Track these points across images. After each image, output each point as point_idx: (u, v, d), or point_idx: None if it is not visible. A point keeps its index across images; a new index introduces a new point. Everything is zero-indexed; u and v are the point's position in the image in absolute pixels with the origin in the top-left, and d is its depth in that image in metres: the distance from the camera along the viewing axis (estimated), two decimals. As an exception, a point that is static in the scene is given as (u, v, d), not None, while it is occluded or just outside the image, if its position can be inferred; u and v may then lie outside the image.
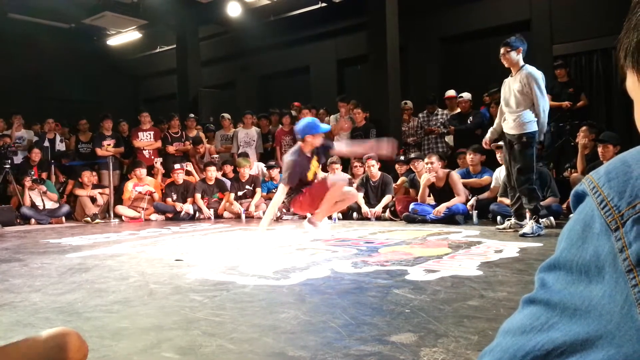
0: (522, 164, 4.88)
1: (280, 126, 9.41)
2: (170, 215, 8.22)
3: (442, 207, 6.21)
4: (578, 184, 0.46)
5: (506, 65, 4.97)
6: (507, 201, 5.64)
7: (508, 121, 4.99)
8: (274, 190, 8.61)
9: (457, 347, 1.77)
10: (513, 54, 4.87)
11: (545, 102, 4.87)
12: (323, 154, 5.25)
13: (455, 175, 6.44)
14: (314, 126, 5.01)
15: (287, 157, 5.09)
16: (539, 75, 4.87)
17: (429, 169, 6.36)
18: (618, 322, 0.39)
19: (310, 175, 5.07)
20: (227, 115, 9.96)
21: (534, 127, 4.84)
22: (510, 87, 4.95)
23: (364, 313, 2.25)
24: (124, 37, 13.20)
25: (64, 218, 8.30)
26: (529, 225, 4.85)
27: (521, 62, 4.91)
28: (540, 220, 4.91)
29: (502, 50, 4.93)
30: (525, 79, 4.82)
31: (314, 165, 5.09)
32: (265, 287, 2.89)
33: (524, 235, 4.77)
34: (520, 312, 0.46)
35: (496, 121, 5.27)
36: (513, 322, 0.46)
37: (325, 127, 5.11)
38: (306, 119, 5.20)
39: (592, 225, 0.43)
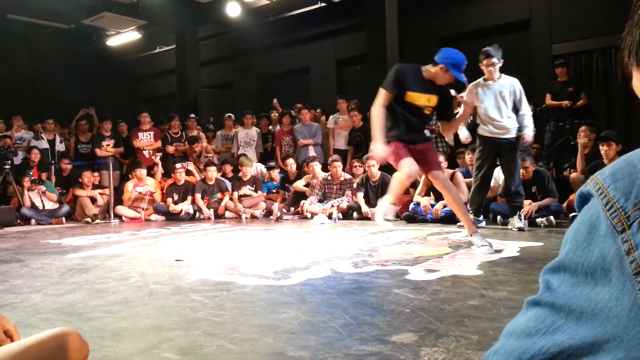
0: None
1: (280, 126, 9.41)
2: (175, 212, 8.15)
3: (439, 206, 6.24)
4: (583, 185, 0.46)
5: (490, 75, 5.16)
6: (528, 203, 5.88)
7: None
8: (274, 191, 8.63)
9: (457, 346, 1.77)
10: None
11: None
12: (444, 108, 4.09)
13: (460, 175, 6.47)
14: (457, 64, 3.87)
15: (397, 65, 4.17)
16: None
17: None
18: (626, 325, 0.38)
19: (421, 100, 3.91)
20: (232, 116, 9.98)
21: (479, 132, 5.29)
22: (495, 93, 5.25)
23: (364, 313, 2.25)
24: (123, 37, 13.20)
25: (64, 218, 8.29)
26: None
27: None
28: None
29: (494, 61, 5.09)
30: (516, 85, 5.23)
31: (428, 97, 3.94)
32: (266, 287, 2.89)
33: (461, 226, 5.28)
34: (524, 314, 0.45)
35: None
36: (517, 324, 0.45)
37: (463, 78, 3.89)
38: (457, 52, 4.00)
39: (598, 227, 0.42)
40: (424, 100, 3.91)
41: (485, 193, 5.61)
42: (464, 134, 5.47)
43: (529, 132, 5.22)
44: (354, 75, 11.46)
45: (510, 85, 5.18)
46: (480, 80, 5.24)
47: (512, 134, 5.19)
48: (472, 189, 5.61)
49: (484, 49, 5.14)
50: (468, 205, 5.66)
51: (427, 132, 4.25)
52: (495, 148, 5.25)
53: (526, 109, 5.25)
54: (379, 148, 3.87)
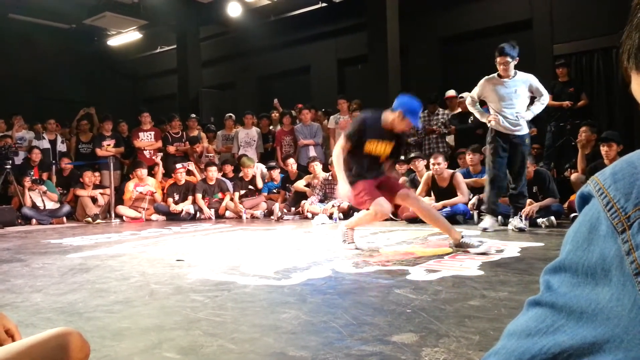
0: None
1: (281, 126, 9.42)
2: (176, 212, 8.15)
3: (439, 205, 6.23)
4: (584, 186, 0.46)
5: (504, 73, 5.12)
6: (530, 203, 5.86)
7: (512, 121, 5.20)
8: (274, 191, 8.63)
9: (458, 347, 1.77)
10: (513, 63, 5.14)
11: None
12: (395, 151, 4.27)
13: (460, 176, 6.45)
14: (413, 111, 4.01)
15: (362, 114, 4.31)
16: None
17: (435, 170, 6.37)
18: (626, 325, 0.38)
19: (378, 149, 4.10)
20: (233, 116, 9.99)
21: (493, 127, 5.25)
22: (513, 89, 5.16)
23: (365, 313, 2.25)
24: (125, 37, 13.21)
25: (64, 218, 8.30)
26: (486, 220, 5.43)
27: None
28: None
29: (507, 59, 5.04)
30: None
31: (384, 146, 4.12)
32: (266, 287, 2.89)
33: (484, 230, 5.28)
34: (524, 314, 0.45)
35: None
36: (518, 324, 0.45)
37: (419, 124, 4.24)
38: (412, 99, 4.08)
39: (598, 227, 0.43)
40: (381, 148, 4.11)
41: (501, 191, 5.45)
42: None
43: (526, 114, 5.15)
44: (355, 75, 11.46)
45: (525, 82, 5.13)
46: (495, 75, 5.17)
47: (525, 132, 5.18)
48: (486, 188, 5.46)
49: (499, 46, 5.08)
50: (483, 207, 5.58)
51: (383, 168, 4.36)
52: (507, 145, 5.22)
53: (544, 95, 5.19)
54: (344, 188, 4.13)
